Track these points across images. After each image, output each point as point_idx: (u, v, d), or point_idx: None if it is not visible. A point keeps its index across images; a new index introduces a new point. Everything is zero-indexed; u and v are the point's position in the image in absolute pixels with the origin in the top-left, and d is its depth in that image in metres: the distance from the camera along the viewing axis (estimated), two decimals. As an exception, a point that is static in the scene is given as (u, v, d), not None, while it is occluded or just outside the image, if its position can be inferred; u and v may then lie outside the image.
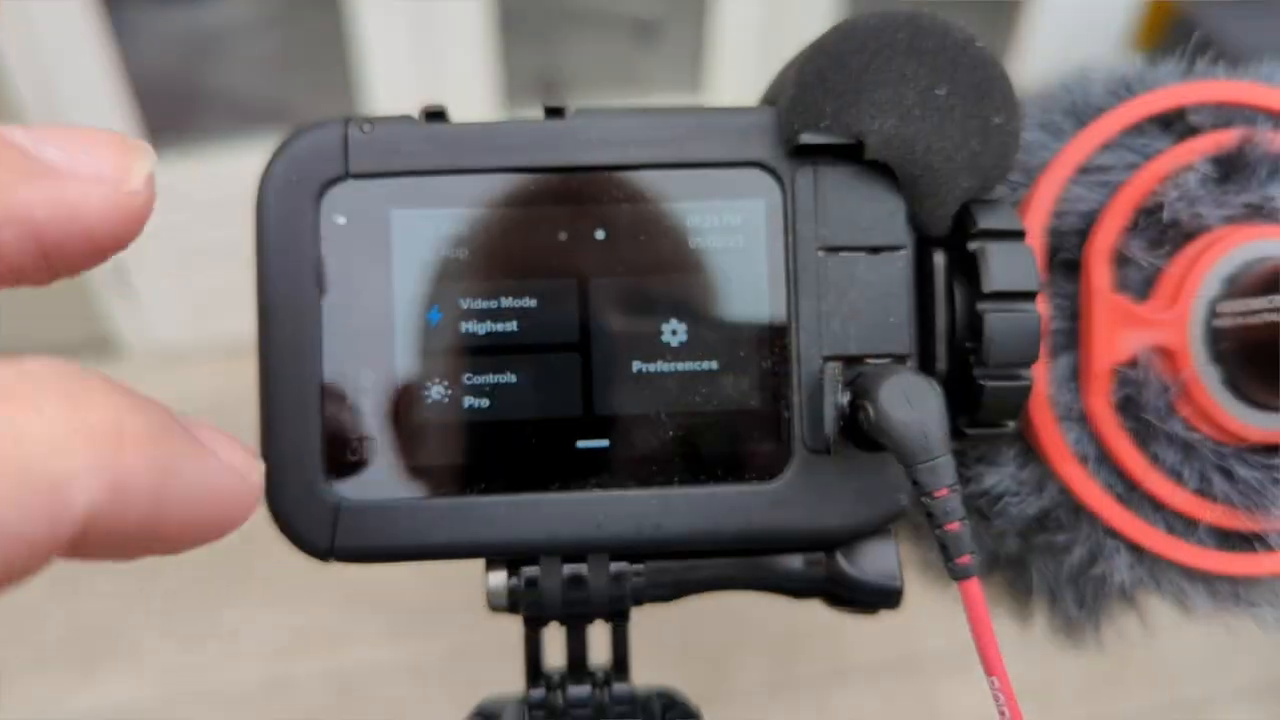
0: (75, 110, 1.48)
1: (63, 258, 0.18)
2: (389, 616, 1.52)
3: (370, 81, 1.63)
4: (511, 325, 0.27)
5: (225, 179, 1.71)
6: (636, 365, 0.27)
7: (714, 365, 0.27)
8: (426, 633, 1.50)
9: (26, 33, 1.38)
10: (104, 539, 0.16)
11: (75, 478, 0.15)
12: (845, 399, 0.26)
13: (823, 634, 1.48)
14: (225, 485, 0.18)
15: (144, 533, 0.16)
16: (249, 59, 1.64)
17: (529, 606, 0.29)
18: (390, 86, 1.59)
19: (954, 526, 0.24)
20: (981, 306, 0.26)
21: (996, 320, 0.26)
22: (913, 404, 0.24)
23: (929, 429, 0.24)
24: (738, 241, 0.28)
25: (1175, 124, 0.31)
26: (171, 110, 1.66)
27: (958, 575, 0.24)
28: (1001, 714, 0.25)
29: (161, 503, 0.16)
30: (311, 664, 1.48)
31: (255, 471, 0.19)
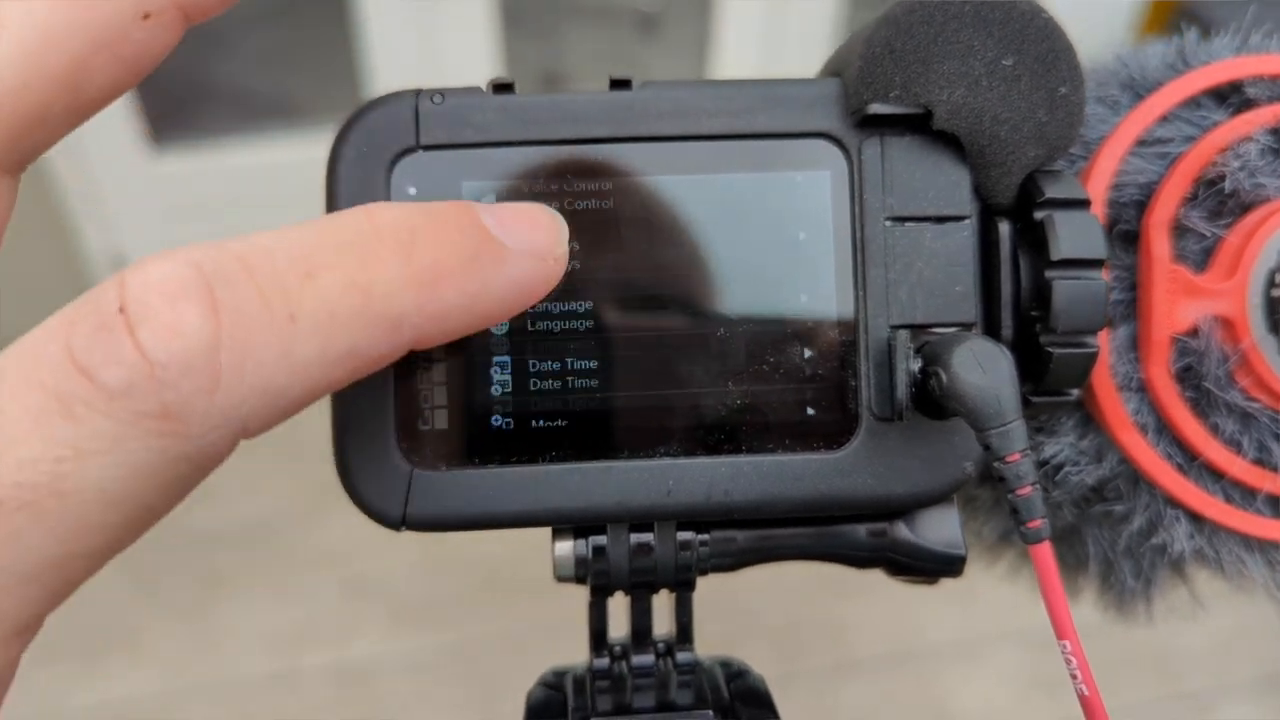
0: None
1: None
2: (392, 610, 1.52)
3: (374, 75, 1.63)
4: (581, 296, 0.27)
5: (229, 173, 1.71)
6: (704, 335, 0.28)
7: (781, 334, 0.28)
8: (430, 626, 1.50)
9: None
10: (431, 344, 0.21)
11: (406, 316, 0.20)
12: (916, 365, 0.26)
13: (826, 627, 1.49)
14: (529, 274, 0.22)
15: (465, 330, 0.21)
16: (253, 54, 1.64)
17: (596, 575, 0.29)
18: (394, 80, 1.59)
19: (1026, 491, 0.24)
20: (1049, 274, 0.26)
21: (1064, 287, 0.26)
22: (985, 369, 0.25)
23: (1002, 393, 0.24)
24: (805, 212, 0.28)
25: (1231, 97, 0.31)
26: (175, 105, 1.66)
27: (1030, 539, 0.25)
28: (1074, 677, 0.25)
29: (473, 311, 0.21)
30: (315, 657, 1.48)
31: (559, 245, 0.23)
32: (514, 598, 1.37)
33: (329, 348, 0.19)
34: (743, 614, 1.47)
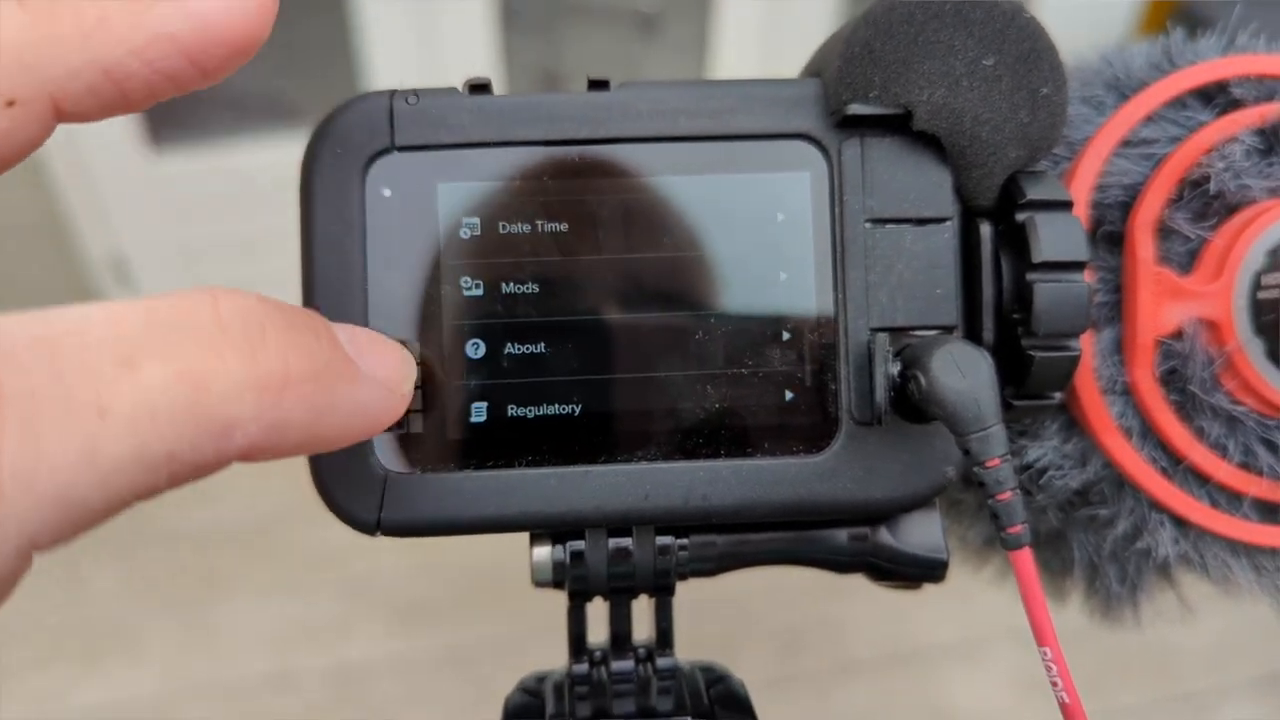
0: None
1: (207, 61, 0.20)
2: (389, 611, 1.52)
3: (373, 77, 1.63)
4: (557, 299, 0.27)
5: (227, 174, 1.70)
6: (682, 338, 0.27)
7: (760, 338, 0.27)
8: (428, 628, 1.50)
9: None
10: (260, 458, 0.18)
11: (240, 423, 0.17)
12: (895, 369, 0.26)
13: (825, 628, 1.48)
14: (376, 403, 0.21)
15: (297, 450, 0.19)
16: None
17: (574, 581, 0.29)
18: (393, 82, 1.59)
19: (1006, 496, 0.24)
20: (1030, 277, 0.26)
21: (1045, 290, 0.26)
22: (964, 373, 0.24)
23: (981, 398, 0.24)
24: (784, 214, 0.28)
25: (1217, 97, 0.31)
26: (173, 106, 1.66)
27: (1010, 545, 0.24)
28: (1054, 684, 0.25)
29: (314, 430, 0.19)
30: (312, 659, 1.47)
31: (406, 382, 0.22)
32: (512, 600, 1.37)
33: (145, 451, 0.16)
34: (742, 616, 1.46)
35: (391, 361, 0.21)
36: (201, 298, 0.18)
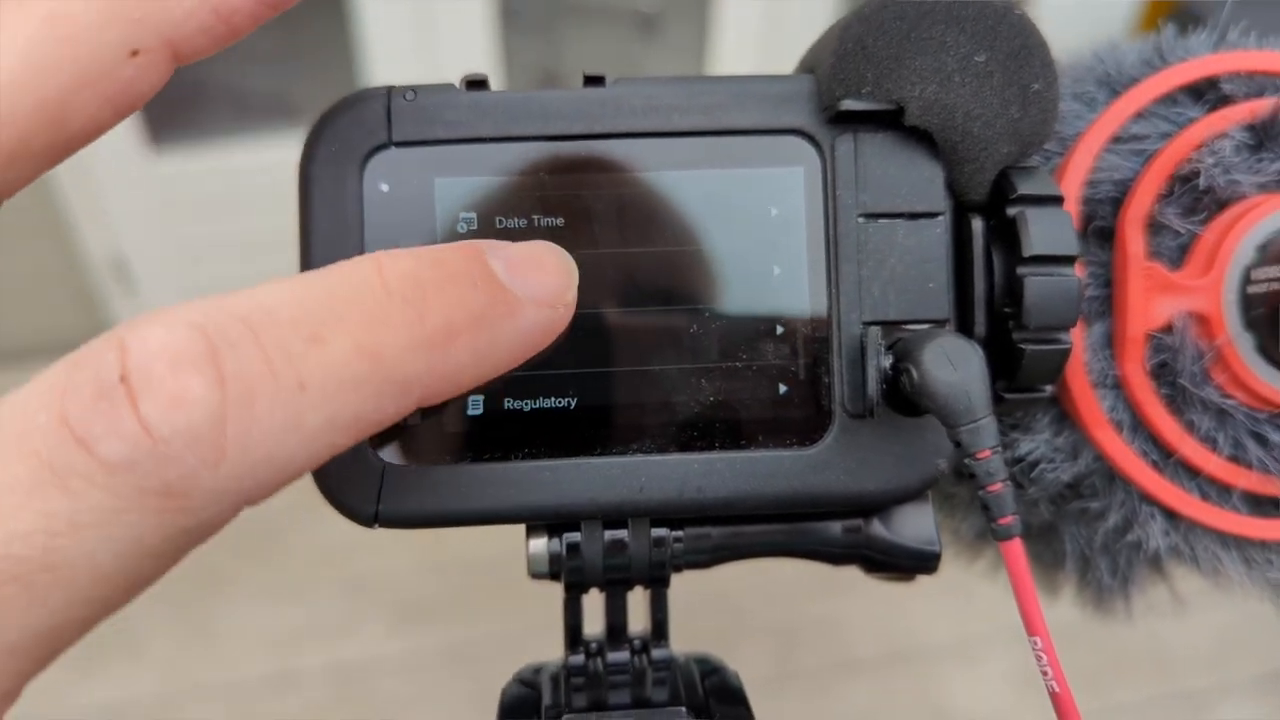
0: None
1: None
2: (391, 610, 1.52)
3: (373, 77, 1.63)
4: None
5: (227, 173, 1.71)
6: (677, 332, 0.28)
7: (754, 331, 0.28)
8: (429, 626, 1.50)
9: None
10: (438, 400, 0.20)
11: (416, 378, 0.19)
12: (887, 362, 0.26)
13: (823, 626, 1.49)
14: (538, 326, 0.22)
15: (472, 385, 0.21)
16: (250, 54, 1.64)
17: (570, 572, 0.29)
18: (393, 80, 1.59)
19: (996, 487, 0.24)
20: (1021, 271, 0.26)
21: (1036, 284, 0.26)
22: (955, 366, 0.25)
23: (972, 390, 0.24)
24: (778, 208, 0.28)
25: (1208, 93, 0.31)
26: (174, 105, 1.66)
27: (1000, 536, 0.25)
28: (1045, 674, 0.25)
29: (482, 367, 0.21)
30: (314, 658, 1.48)
31: (567, 291, 0.23)
32: (514, 597, 1.37)
33: (338, 415, 0.18)
34: (741, 613, 1.47)
35: (550, 277, 0.23)
36: (368, 268, 0.20)
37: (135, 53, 0.20)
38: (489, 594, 1.46)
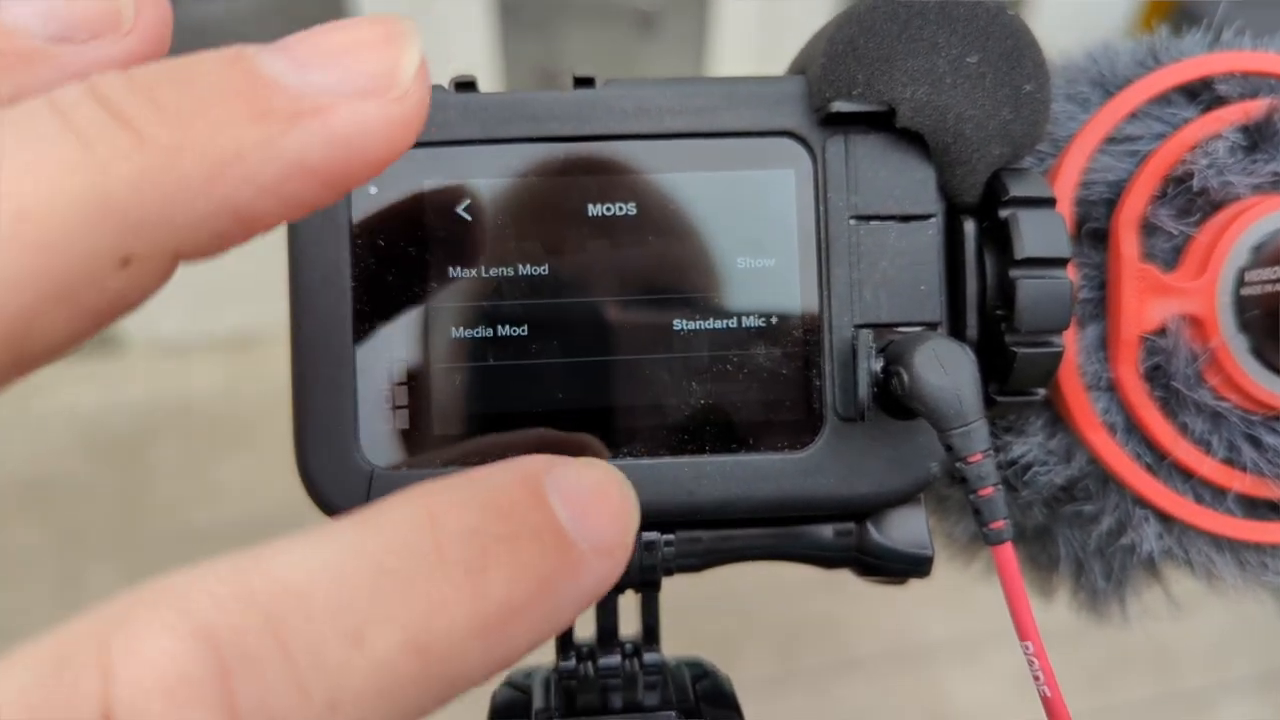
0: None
1: (347, 180, 0.17)
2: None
3: (371, 74, 1.63)
4: (543, 296, 0.27)
5: (226, 172, 1.71)
6: (666, 335, 0.27)
7: (745, 334, 0.28)
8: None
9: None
10: (479, 683, 0.16)
11: (466, 674, 0.16)
12: (878, 365, 0.26)
13: (826, 625, 1.49)
14: (599, 583, 0.18)
15: (513, 663, 0.17)
16: (249, 52, 1.64)
17: None
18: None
19: (988, 491, 0.24)
20: (1013, 273, 0.26)
21: (1028, 286, 0.26)
22: (946, 369, 0.24)
23: (963, 394, 0.24)
24: (769, 211, 0.28)
25: (1202, 94, 0.31)
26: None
27: (992, 540, 0.25)
28: (1036, 678, 0.25)
29: (535, 643, 0.17)
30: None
31: (628, 534, 0.19)
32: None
33: None
34: (741, 613, 1.47)
35: (615, 518, 0.18)
36: (420, 522, 0.16)
37: (127, 262, 0.15)
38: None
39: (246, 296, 1.41)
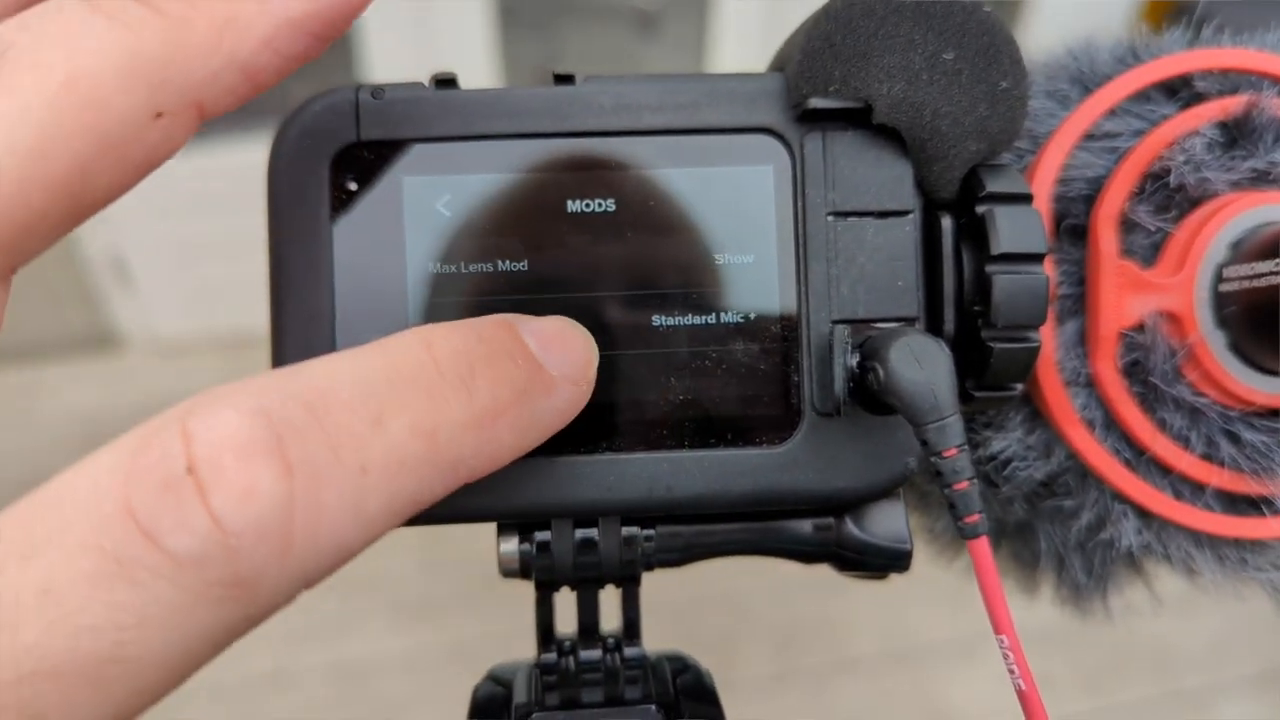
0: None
1: (327, 29, 0.21)
2: (390, 608, 1.52)
3: (371, 75, 1.63)
4: (523, 292, 0.27)
5: (225, 171, 1.71)
6: (645, 331, 0.28)
7: (724, 330, 0.28)
8: (427, 624, 1.50)
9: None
10: (474, 478, 0.21)
11: (465, 459, 0.20)
12: (854, 360, 0.26)
13: (823, 625, 1.49)
14: (568, 403, 0.23)
15: (503, 463, 0.21)
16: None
17: (540, 571, 0.29)
18: (390, 78, 1.60)
19: (962, 485, 0.24)
20: (990, 269, 0.26)
21: (1004, 282, 0.26)
22: (922, 364, 0.25)
23: (938, 389, 0.24)
24: (747, 207, 0.28)
25: (1181, 91, 0.31)
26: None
27: (966, 534, 0.25)
28: (1011, 672, 0.25)
29: (519, 446, 0.21)
30: (313, 656, 1.48)
31: (590, 367, 0.24)
32: (512, 596, 1.37)
33: (396, 498, 0.19)
34: (740, 611, 1.47)
35: (576, 354, 0.23)
36: (419, 345, 0.20)
37: (159, 115, 0.19)
38: (489, 593, 1.46)
39: (246, 296, 1.42)
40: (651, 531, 0.29)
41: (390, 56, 1.62)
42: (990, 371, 0.27)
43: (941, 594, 1.44)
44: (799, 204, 0.28)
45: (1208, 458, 0.30)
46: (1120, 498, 0.30)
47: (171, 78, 0.19)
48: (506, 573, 0.29)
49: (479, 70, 1.64)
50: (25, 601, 0.16)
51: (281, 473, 0.17)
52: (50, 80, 0.18)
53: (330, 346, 0.27)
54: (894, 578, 0.31)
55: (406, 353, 0.20)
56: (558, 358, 0.22)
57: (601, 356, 0.27)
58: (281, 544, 0.17)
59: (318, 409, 0.18)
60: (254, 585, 0.17)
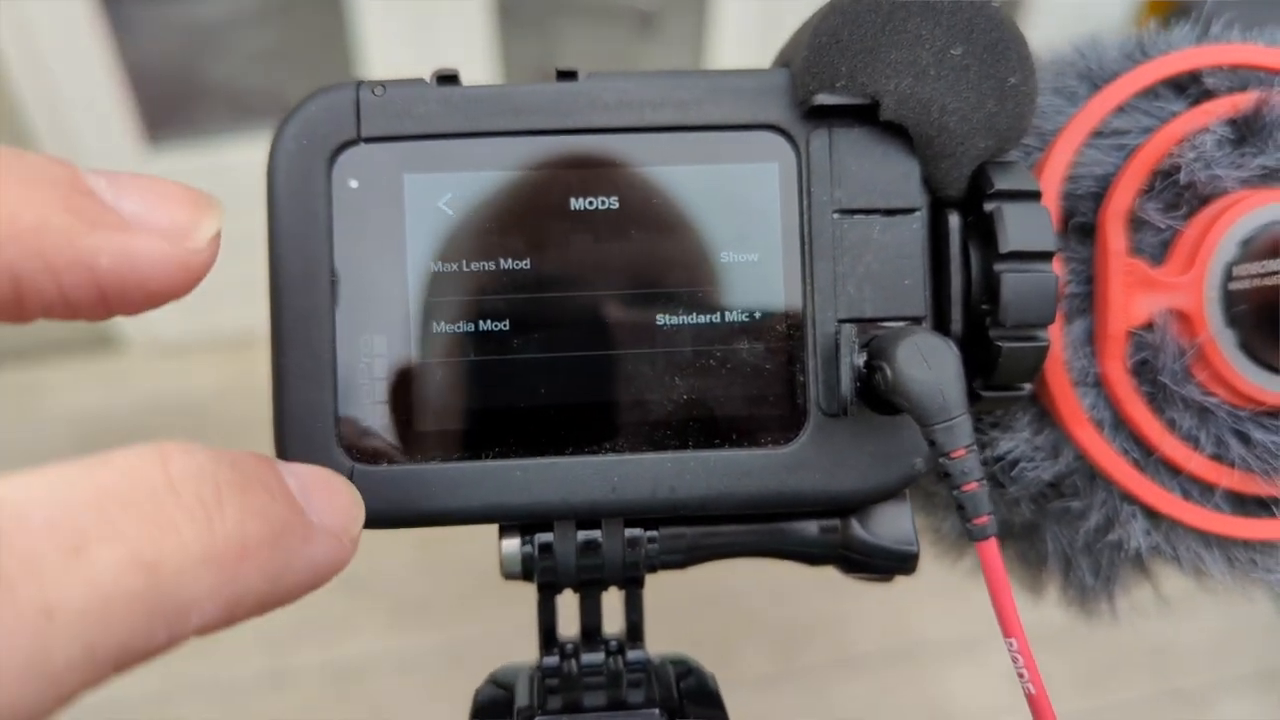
0: (75, 105, 1.47)
1: (120, 302, 0.19)
2: (388, 608, 1.52)
3: (370, 73, 1.63)
4: (525, 290, 0.27)
5: (224, 172, 1.71)
6: (648, 330, 0.27)
7: (729, 329, 0.27)
8: (425, 625, 1.50)
9: (26, 28, 1.38)
10: (212, 633, 0.17)
11: (197, 602, 0.16)
12: (861, 360, 0.26)
13: (825, 624, 1.48)
14: (329, 558, 0.20)
15: (246, 618, 0.18)
16: (247, 52, 1.64)
17: (543, 573, 0.29)
18: (389, 77, 1.59)
19: (971, 486, 0.24)
20: (998, 267, 0.26)
21: (1013, 280, 0.26)
22: (930, 364, 0.24)
23: (946, 389, 0.24)
24: (752, 205, 0.27)
25: (1190, 88, 0.31)
26: (170, 104, 1.66)
27: (975, 536, 0.24)
28: (1021, 675, 0.25)
29: (269, 599, 0.18)
30: (311, 656, 1.48)
31: (355, 524, 0.21)
32: (511, 597, 1.37)
33: (96, 648, 0.15)
34: (741, 611, 1.46)
35: (341, 505, 0.21)
36: (151, 460, 0.17)
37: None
38: (487, 593, 1.45)
39: (246, 296, 1.41)
40: (655, 533, 0.29)
41: (389, 56, 1.62)
42: (998, 371, 0.27)
43: (944, 592, 1.44)
44: (804, 202, 0.27)
45: (1217, 458, 0.29)
46: (1129, 499, 0.30)
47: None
48: (508, 574, 0.29)
49: (478, 70, 1.64)
50: None
51: None
52: None
53: (330, 346, 0.27)
54: (897, 575, 0.30)
55: (134, 466, 0.17)
56: (320, 505, 0.20)
57: (605, 356, 0.27)
58: None
59: None
60: None
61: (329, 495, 0.20)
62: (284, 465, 0.20)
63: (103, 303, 0.19)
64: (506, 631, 1.43)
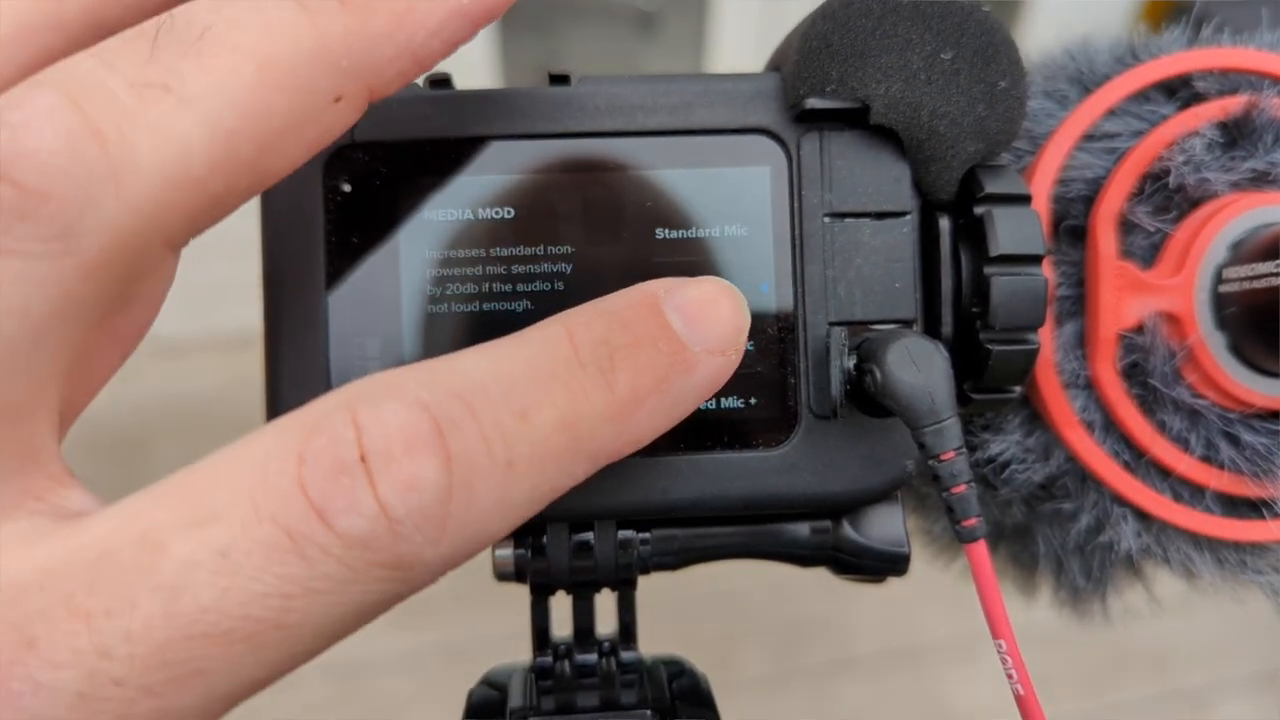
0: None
1: (487, 15, 0.21)
2: (391, 609, 1.52)
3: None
4: (516, 292, 0.27)
5: (225, 172, 1.71)
6: None
7: None
8: (428, 625, 1.50)
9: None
10: (617, 459, 0.21)
11: (605, 448, 0.21)
12: (851, 363, 0.26)
13: (825, 624, 1.48)
14: (711, 379, 0.22)
15: (642, 445, 0.22)
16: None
17: (536, 575, 0.29)
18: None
19: (960, 489, 0.24)
20: (988, 270, 0.26)
21: (1003, 283, 0.26)
22: (919, 366, 0.24)
23: (935, 391, 0.24)
24: (743, 209, 0.28)
25: (1181, 91, 0.31)
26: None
27: (964, 538, 0.24)
28: (1009, 676, 0.25)
29: (659, 429, 0.22)
30: (313, 656, 1.48)
31: (740, 335, 0.23)
32: (512, 597, 1.37)
33: (538, 490, 0.20)
34: (740, 611, 1.46)
35: (723, 320, 0.22)
36: (559, 335, 0.21)
37: (339, 99, 0.20)
38: (488, 593, 1.46)
39: (246, 297, 1.42)
40: (647, 535, 0.29)
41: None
42: (988, 374, 0.27)
43: (944, 592, 1.44)
44: (796, 205, 0.28)
45: (1207, 460, 0.29)
46: (1119, 500, 0.30)
47: (353, 64, 0.20)
48: (501, 576, 0.29)
49: (478, 70, 1.64)
50: (202, 564, 0.17)
51: (442, 466, 0.18)
52: (247, 63, 0.18)
53: (324, 352, 0.27)
54: (889, 577, 0.31)
55: (548, 343, 0.20)
56: (703, 332, 0.22)
57: None
58: (437, 532, 0.18)
59: (472, 403, 0.19)
60: (409, 567, 0.18)
61: (712, 317, 0.22)
62: (670, 295, 0.22)
63: (477, 26, 0.21)
64: (508, 632, 1.43)
